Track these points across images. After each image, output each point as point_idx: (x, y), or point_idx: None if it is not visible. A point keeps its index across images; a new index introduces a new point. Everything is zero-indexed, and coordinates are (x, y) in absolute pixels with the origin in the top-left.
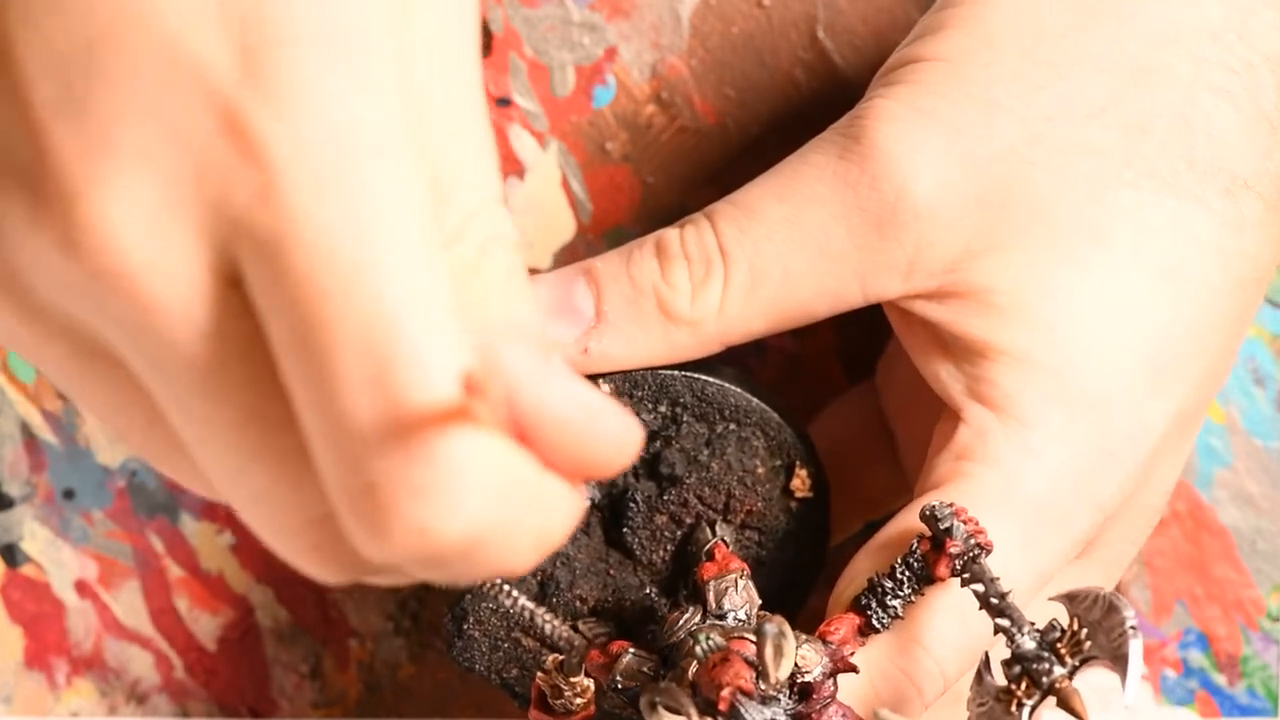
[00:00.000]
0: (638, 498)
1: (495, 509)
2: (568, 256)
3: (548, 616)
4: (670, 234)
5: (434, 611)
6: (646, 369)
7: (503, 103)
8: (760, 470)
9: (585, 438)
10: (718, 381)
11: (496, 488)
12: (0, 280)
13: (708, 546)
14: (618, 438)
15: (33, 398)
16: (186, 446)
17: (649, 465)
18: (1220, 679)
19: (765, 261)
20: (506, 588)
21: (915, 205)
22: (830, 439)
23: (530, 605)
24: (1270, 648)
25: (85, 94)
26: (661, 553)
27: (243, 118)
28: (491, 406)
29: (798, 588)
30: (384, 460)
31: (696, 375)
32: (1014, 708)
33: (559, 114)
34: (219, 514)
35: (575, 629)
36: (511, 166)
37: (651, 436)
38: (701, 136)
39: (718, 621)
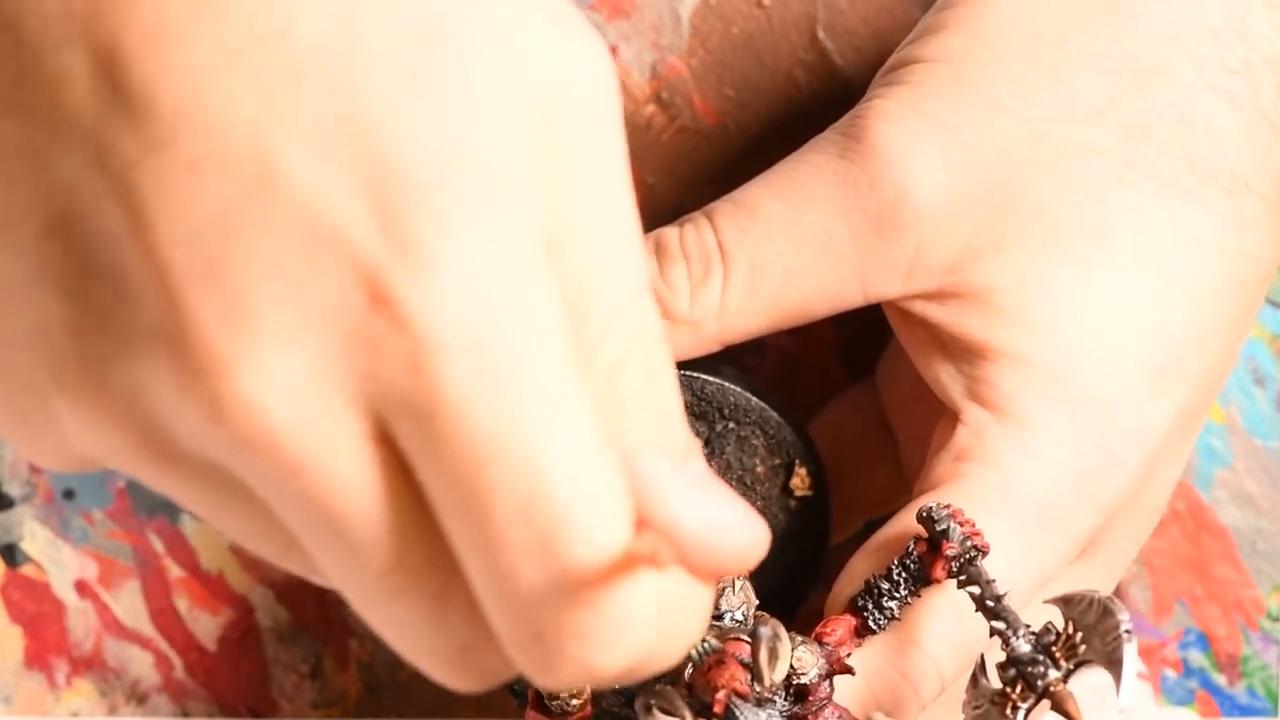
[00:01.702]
0: None
1: (655, 633)
2: None
3: None
4: (669, 233)
5: None
6: None
7: None
8: (760, 469)
9: (714, 552)
10: (717, 380)
11: (657, 615)
12: (144, 434)
13: None
14: (745, 551)
15: None
16: (328, 577)
17: None
18: (1220, 679)
19: (765, 261)
20: None
21: (916, 206)
22: (830, 438)
23: None
24: (1270, 648)
25: (223, 263)
26: None
27: (386, 286)
28: (666, 551)
29: (797, 586)
30: (550, 612)
31: (695, 374)
32: (1009, 710)
33: None
34: None
35: None
36: None
37: None
38: (701, 136)
39: (715, 622)
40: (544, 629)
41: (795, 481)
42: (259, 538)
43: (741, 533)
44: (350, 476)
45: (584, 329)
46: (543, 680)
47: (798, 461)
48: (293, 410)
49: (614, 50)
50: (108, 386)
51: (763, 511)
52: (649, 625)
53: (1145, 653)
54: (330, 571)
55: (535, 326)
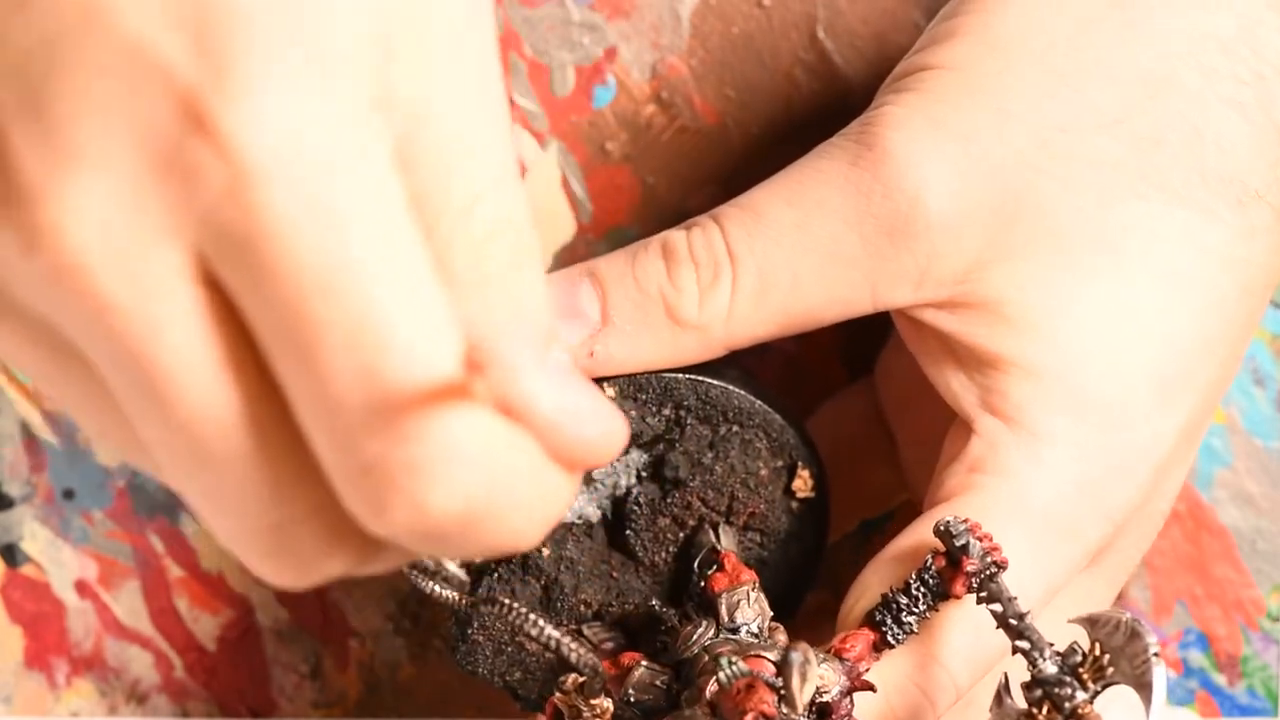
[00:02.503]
0: (641, 500)
1: (491, 484)
2: (568, 256)
3: (574, 645)
4: (677, 236)
5: (434, 612)
6: (650, 372)
7: None
8: (763, 472)
9: (569, 438)
10: (721, 384)
11: (491, 463)
12: None
13: (717, 557)
14: (598, 442)
15: (32, 398)
16: (151, 451)
17: (653, 468)
18: (1220, 679)
19: (774, 266)
20: (533, 617)
21: (928, 215)
22: (827, 437)
23: (556, 634)
24: (1270, 648)
25: (43, 94)
26: (664, 555)
27: (205, 109)
28: (487, 386)
29: (797, 587)
30: (379, 442)
31: (700, 378)
32: None
33: (559, 114)
34: None
35: (580, 633)
36: None
37: (655, 440)
38: (701, 136)
39: (731, 636)
40: (372, 460)
41: (798, 484)
42: (94, 412)
43: (596, 421)
44: (162, 317)
45: (446, 207)
46: (376, 523)
47: (800, 464)
48: (106, 240)
49: (614, 50)
50: None
51: (766, 514)
52: (482, 469)
53: None
54: (146, 431)
55: (361, 163)
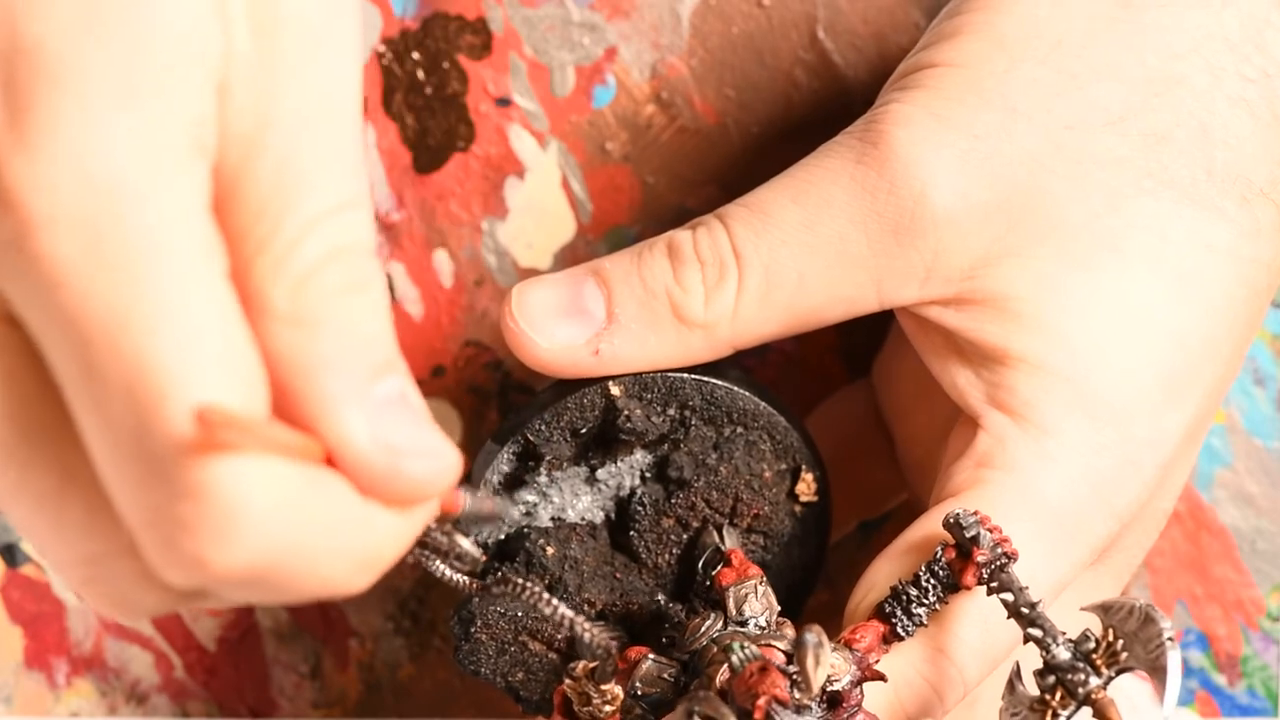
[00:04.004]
0: (645, 501)
1: (284, 534)
2: (568, 256)
3: (588, 625)
4: (683, 236)
5: (434, 611)
6: (656, 371)
7: (502, 103)
8: (767, 474)
9: (386, 476)
10: (726, 385)
11: (280, 514)
12: None
13: (723, 556)
14: (421, 476)
15: None
16: None
17: (657, 469)
18: (1220, 679)
19: (780, 265)
20: (546, 596)
21: (934, 212)
22: (825, 438)
23: (570, 613)
24: (1270, 648)
25: None
26: (667, 556)
27: None
28: (253, 435)
29: (798, 591)
30: (157, 496)
31: (705, 378)
32: (1049, 717)
33: (559, 114)
34: None
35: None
36: (511, 166)
37: (660, 440)
38: (701, 136)
39: (739, 629)
40: (152, 515)
41: (801, 487)
42: None
43: (418, 457)
44: None
45: (275, 237)
46: (165, 575)
47: (804, 467)
48: None
49: (614, 50)
50: None
51: (769, 516)
52: (267, 522)
53: None
54: None
55: (157, 208)
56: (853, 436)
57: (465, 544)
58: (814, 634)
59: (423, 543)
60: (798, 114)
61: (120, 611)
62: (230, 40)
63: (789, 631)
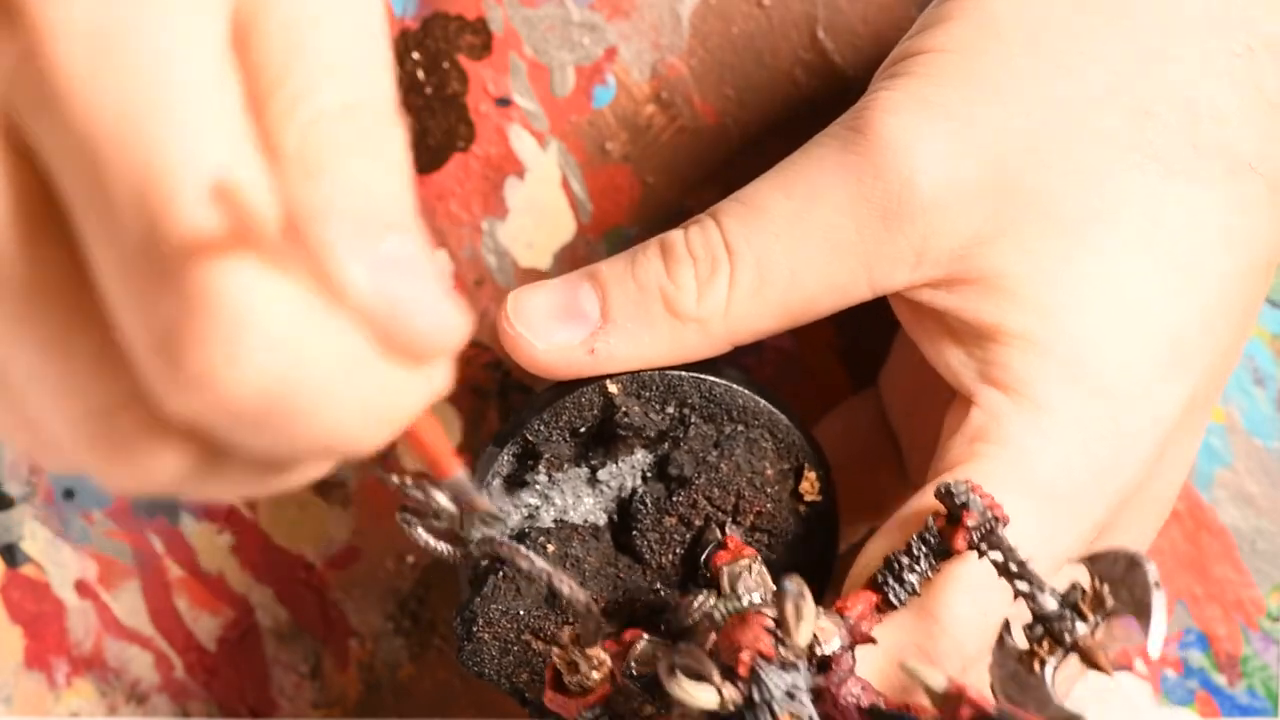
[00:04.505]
0: (646, 500)
1: (295, 366)
2: (568, 256)
3: (565, 578)
4: (675, 234)
5: (434, 611)
6: (654, 370)
7: (502, 103)
8: (769, 472)
9: (392, 327)
10: (725, 382)
11: (293, 342)
12: None
13: (723, 541)
14: (427, 332)
15: None
16: None
17: (657, 468)
18: (1220, 679)
19: (772, 257)
20: (523, 549)
21: (922, 195)
22: (834, 445)
23: (548, 567)
24: (1270, 648)
25: None
26: (671, 555)
27: None
28: (292, 251)
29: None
30: (169, 305)
31: (704, 376)
32: (1036, 667)
33: (559, 114)
34: (219, 514)
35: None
36: (511, 166)
37: (660, 437)
38: (701, 136)
39: (734, 604)
40: (164, 328)
41: (804, 486)
42: None
43: (425, 311)
44: None
45: (284, 78)
46: (173, 400)
47: (807, 466)
48: None
49: (614, 50)
50: None
51: (772, 515)
52: (276, 344)
53: (1145, 652)
54: None
55: (174, 26)
56: (861, 444)
57: (441, 499)
58: (793, 583)
59: (402, 505)
60: (798, 114)
61: (131, 474)
62: None
63: None
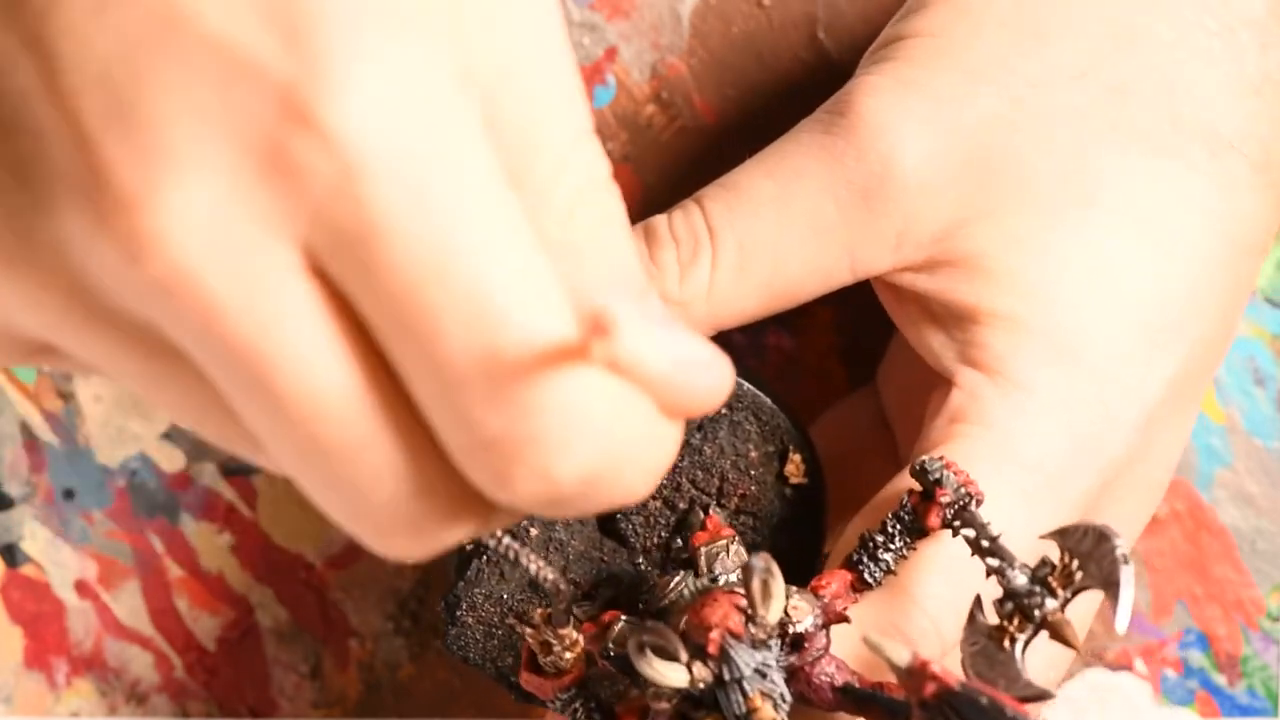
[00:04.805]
0: None
1: (612, 445)
2: None
3: (533, 556)
4: (659, 218)
5: (434, 612)
6: None
7: None
8: (753, 454)
9: (680, 389)
10: None
11: (612, 425)
12: (72, 290)
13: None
14: (709, 389)
15: (33, 397)
16: (264, 445)
17: None
18: (1220, 679)
19: (754, 239)
20: (496, 531)
21: (903, 176)
22: (832, 441)
23: (515, 545)
24: (1270, 648)
25: (133, 99)
26: (655, 539)
27: (305, 107)
28: (601, 347)
29: (794, 577)
30: (501, 416)
31: None
32: (1006, 643)
33: None
34: (219, 514)
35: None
36: None
37: None
38: (701, 136)
39: (709, 583)
40: (496, 435)
41: (790, 468)
42: (196, 409)
43: (706, 369)
44: (275, 317)
45: (532, 174)
46: (501, 495)
47: (792, 448)
48: (210, 242)
49: (614, 50)
50: (32, 244)
51: (757, 497)
52: (601, 433)
53: (1145, 653)
54: (261, 430)
55: (458, 143)
56: (858, 439)
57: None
58: (761, 560)
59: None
60: (798, 114)
61: (422, 549)
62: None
63: None
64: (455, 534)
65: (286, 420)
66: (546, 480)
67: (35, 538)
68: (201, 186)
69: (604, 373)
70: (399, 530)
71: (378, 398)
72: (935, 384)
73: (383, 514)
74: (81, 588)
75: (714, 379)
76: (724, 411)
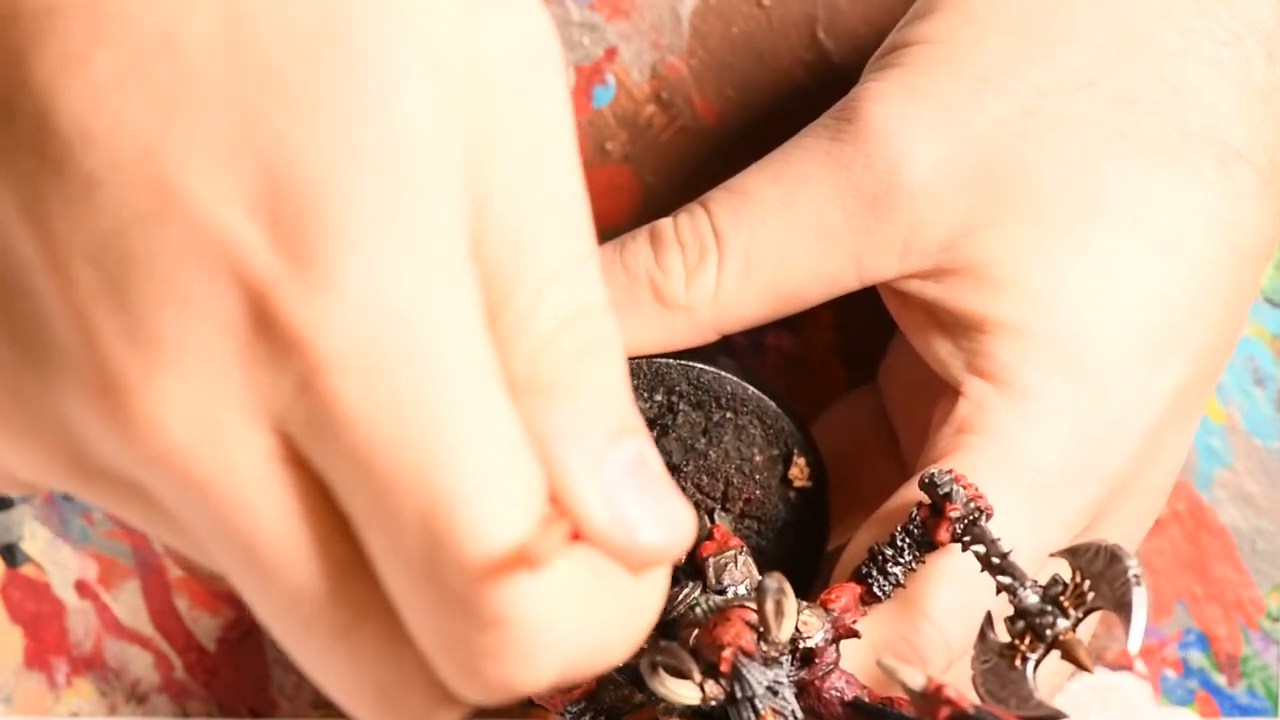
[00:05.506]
0: None
1: (584, 637)
2: None
3: None
4: (665, 222)
5: None
6: (642, 358)
7: None
8: (758, 458)
9: (627, 550)
10: (713, 369)
11: (578, 621)
12: (70, 455)
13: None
14: (657, 548)
15: None
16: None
17: None
18: (1220, 679)
19: (760, 244)
20: None
21: (910, 183)
22: (834, 440)
23: None
24: (1270, 648)
25: (124, 282)
26: None
27: (274, 306)
28: (542, 544)
29: (799, 580)
30: (454, 625)
31: (692, 363)
32: (1017, 662)
33: None
34: None
35: None
36: None
37: (648, 425)
38: (701, 136)
39: (718, 596)
40: (455, 641)
41: (794, 472)
42: (186, 549)
43: (656, 529)
44: (255, 497)
45: (511, 300)
46: (466, 695)
47: (796, 451)
48: (194, 429)
49: (614, 50)
50: (32, 412)
51: (762, 501)
52: (572, 624)
53: (1145, 653)
54: (244, 594)
55: (443, 335)
56: (860, 438)
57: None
58: (774, 580)
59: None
60: (798, 115)
61: None
62: (466, 127)
63: None
64: (448, 716)
65: (266, 593)
66: (510, 690)
67: (35, 538)
68: (186, 373)
69: (561, 566)
70: (389, 713)
71: (354, 584)
72: (938, 386)
73: (369, 696)
74: (81, 588)
75: (664, 540)
76: (729, 415)
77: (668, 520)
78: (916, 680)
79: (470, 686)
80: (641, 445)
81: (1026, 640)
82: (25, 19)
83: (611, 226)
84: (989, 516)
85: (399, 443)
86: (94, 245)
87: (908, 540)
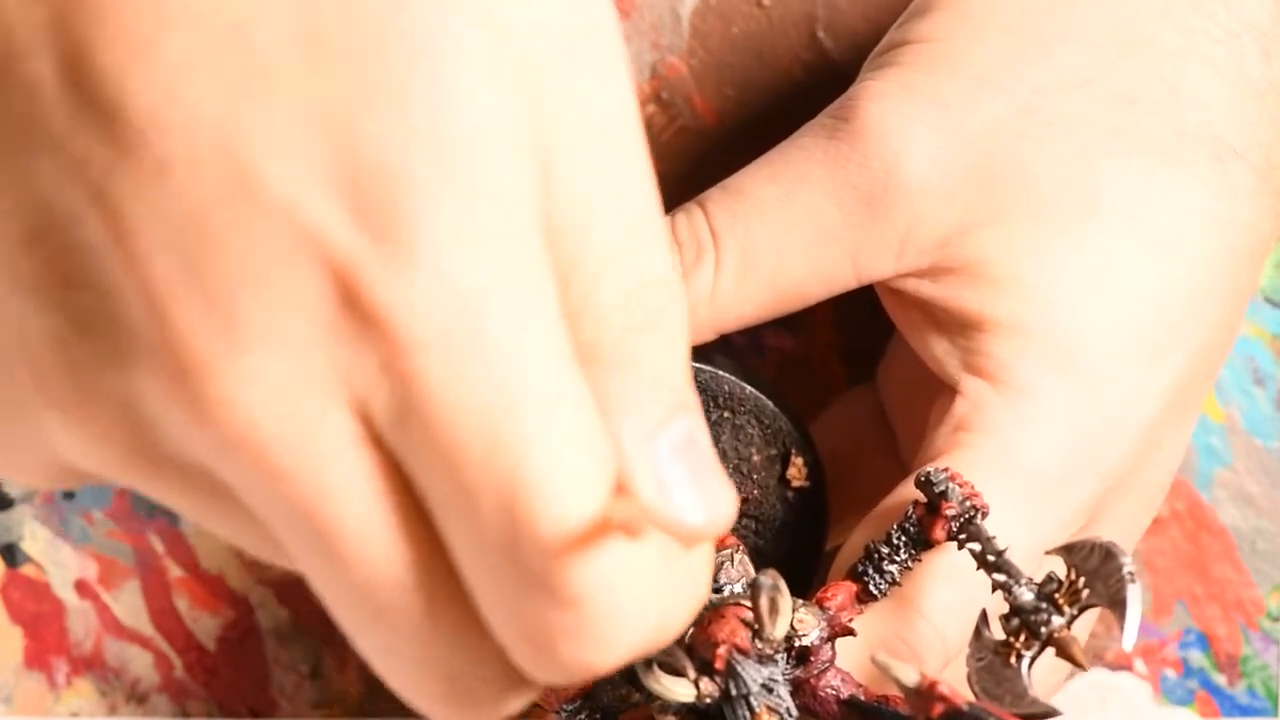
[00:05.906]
0: None
1: (650, 615)
2: None
3: None
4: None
5: None
6: None
7: None
8: (756, 458)
9: (675, 524)
10: (710, 369)
11: (650, 600)
12: (134, 441)
13: None
14: (703, 525)
15: None
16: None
17: None
18: (1220, 679)
19: (757, 244)
20: None
21: (906, 181)
22: (832, 438)
23: None
24: (1270, 648)
25: (201, 265)
26: None
27: (359, 286)
28: (625, 520)
29: (795, 580)
30: (532, 607)
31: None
32: (1012, 659)
33: None
34: None
35: None
36: None
37: None
38: (701, 136)
39: (714, 594)
40: (534, 624)
41: (792, 471)
42: (250, 541)
43: (701, 509)
44: (336, 481)
45: (578, 271)
46: (545, 679)
47: (794, 451)
48: (275, 412)
49: None
50: (97, 396)
51: (760, 501)
52: (642, 613)
53: (1145, 653)
54: (316, 584)
55: (523, 315)
56: (859, 437)
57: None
58: (769, 578)
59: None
60: (798, 114)
61: (475, 716)
62: (530, 96)
63: None
64: (515, 705)
65: (340, 583)
66: (587, 671)
67: (35, 538)
68: (268, 355)
69: (633, 546)
70: (455, 703)
71: (431, 570)
72: (936, 384)
73: (438, 685)
74: (81, 588)
75: (704, 522)
76: (727, 415)
77: (712, 501)
78: (910, 677)
79: (547, 668)
80: (694, 424)
81: (1021, 638)
82: (89, 6)
83: None
84: (985, 514)
85: (480, 424)
86: (168, 229)
87: (904, 538)
